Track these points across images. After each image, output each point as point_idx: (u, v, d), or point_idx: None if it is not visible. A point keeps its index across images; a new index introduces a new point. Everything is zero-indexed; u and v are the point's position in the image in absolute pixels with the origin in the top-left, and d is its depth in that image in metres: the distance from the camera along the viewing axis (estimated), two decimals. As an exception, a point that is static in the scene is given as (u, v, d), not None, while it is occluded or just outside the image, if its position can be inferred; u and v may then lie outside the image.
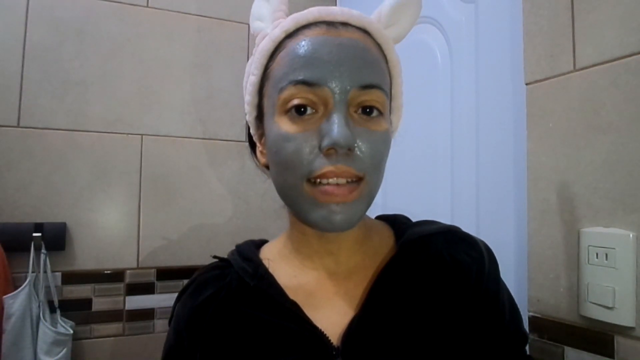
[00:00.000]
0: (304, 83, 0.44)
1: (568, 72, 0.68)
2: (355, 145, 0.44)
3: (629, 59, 0.60)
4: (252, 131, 0.54)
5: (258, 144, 0.54)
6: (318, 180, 0.44)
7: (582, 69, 0.66)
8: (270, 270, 0.53)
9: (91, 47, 1.20)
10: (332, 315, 0.49)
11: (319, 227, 0.46)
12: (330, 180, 0.44)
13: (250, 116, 0.53)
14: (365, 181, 0.45)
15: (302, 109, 0.44)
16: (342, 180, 0.44)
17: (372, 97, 0.45)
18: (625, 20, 0.60)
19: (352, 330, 0.48)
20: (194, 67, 1.31)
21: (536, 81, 0.73)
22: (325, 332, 0.48)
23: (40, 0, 1.16)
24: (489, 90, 0.89)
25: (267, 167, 0.52)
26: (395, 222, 0.58)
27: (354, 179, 0.44)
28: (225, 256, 0.58)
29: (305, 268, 0.53)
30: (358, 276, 0.52)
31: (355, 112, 0.45)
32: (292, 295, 0.50)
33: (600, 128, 0.63)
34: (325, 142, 0.42)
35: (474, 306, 0.50)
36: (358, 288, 0.51)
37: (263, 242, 0.61)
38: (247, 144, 0.59)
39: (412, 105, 1.06)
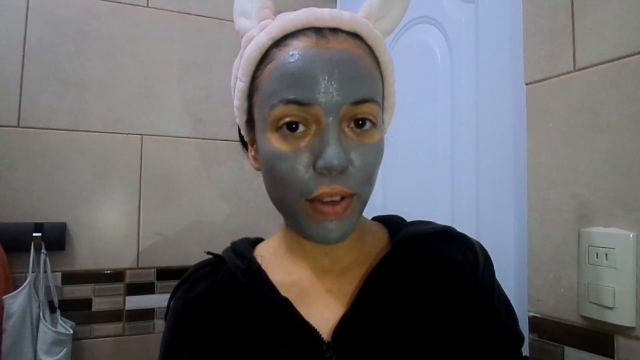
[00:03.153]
0: (295, 102, 0.43)
1: (568, 72, 0.68)
2: (349, 162, 0.44)
3: (629, 59, 0.60)
4: (243, 133, 0.54)
5: (250, 148, 0.54)
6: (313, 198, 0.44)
7: (582, 69, 0.66)
8: (264, 267, 0.53)
9: (91, 47, 1.20)
10: (324, 312, 0.50)
11: (314, 241, 0.47)
12: (326, 199, 0.44)
13: (240, 120, 0.53)
14: (357, 196, 0.46)
15: (294, 126, 0.44)
16: (337, 198, 0.44)
17: (364, 110, 0.45)
18: (625, 20, 0.60)
19: (343, 326, 0.48)
20: (194, 67, 1.31)
21: (536, 81, 0.73)
22: (316, 328, 0.48)
23: (40, 0, 1.16)
24: (489, 90, 0.88)
25: (259, 169, 0.52)
26: (390, 222, 0.58)
27: (347, 196, 0.45)
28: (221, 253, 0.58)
29: (299, 267, 0.53)
30: (351, 273, 0.52)
31: (348, 126, 0.45)
32: (284, 292, 0.50)
33: (600, 128, 0.63)
34: (320, 164, 0.42)
35: (468, 306, 0.50)
36: (351, 285, 0.51)
37: (259, 240, 0.61)
38: (240, 145, 0.59)
39: (412, 106, 1.07)
